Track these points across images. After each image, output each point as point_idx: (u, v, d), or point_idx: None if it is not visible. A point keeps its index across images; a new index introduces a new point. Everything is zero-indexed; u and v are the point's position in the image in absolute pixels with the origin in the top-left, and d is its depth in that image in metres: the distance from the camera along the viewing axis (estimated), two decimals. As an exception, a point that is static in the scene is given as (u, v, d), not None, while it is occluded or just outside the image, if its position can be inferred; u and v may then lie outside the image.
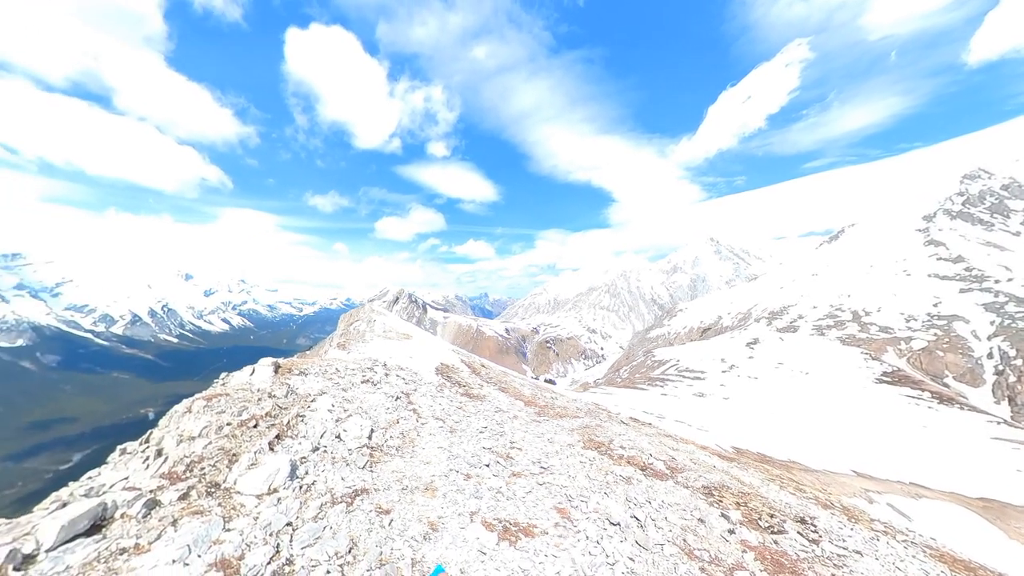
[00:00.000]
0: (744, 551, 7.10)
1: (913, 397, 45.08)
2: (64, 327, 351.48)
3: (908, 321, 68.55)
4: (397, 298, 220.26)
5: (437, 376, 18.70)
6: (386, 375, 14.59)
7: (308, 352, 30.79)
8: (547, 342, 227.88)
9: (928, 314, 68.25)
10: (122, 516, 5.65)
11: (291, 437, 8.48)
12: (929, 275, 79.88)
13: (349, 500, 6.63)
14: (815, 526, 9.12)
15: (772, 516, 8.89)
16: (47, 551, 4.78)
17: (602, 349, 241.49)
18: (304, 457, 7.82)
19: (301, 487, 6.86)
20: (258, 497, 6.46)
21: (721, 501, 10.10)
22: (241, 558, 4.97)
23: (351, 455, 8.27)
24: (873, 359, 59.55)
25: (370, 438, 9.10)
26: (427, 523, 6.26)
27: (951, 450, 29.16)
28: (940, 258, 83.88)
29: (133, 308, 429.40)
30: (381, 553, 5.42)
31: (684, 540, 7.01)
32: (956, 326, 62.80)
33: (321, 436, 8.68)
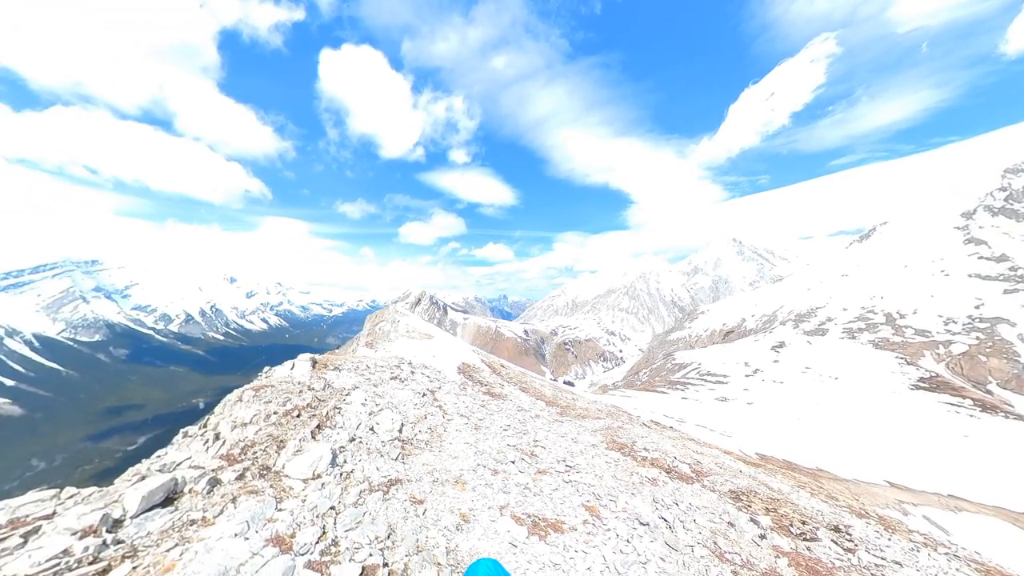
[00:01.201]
0: (777, 556, 6.92)
1: (953, 405, 42.44)
2: (131, 325, 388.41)
3: (947, 324, 64.56)
4: (419, 300, 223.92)
5: (459, 375, 18.96)
6: (412, 373, 14.93)
7: (339, 350, 31.81)
8: (565, 344, 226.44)
9: (969, 316, 64.06)
10: (190, 491, 6.14)
11: (330, 427, 8.84)
12: (970, 275, 75.02)
13: (385, 489, 6.87)
14: (850, 535, 8.78)
15: (804, 523, 8.62)
16: (131, 517, 5.30)
17: (621, 351, 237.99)
18: (343, 446, 8.13)
19: (341, 474, 7.16)
20: (304, 481, 6.81)
21: (750, 506, 9.86)
22: (293, 536, 5.27)
23: (384, 447, 8.53)
24: (909, 364, 56.40)
25: (400, 432, 9.36)
26: (459, 514, 6.41)
27: (995, 461, 27.28)
28: (981, 257, 78.66)
29: (187, 308, 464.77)
30: (417, 540, 5.60)
31: (714, 543, 6.90)
32: (1000, 329, 58.73)
33: (357, 428, 9.00)
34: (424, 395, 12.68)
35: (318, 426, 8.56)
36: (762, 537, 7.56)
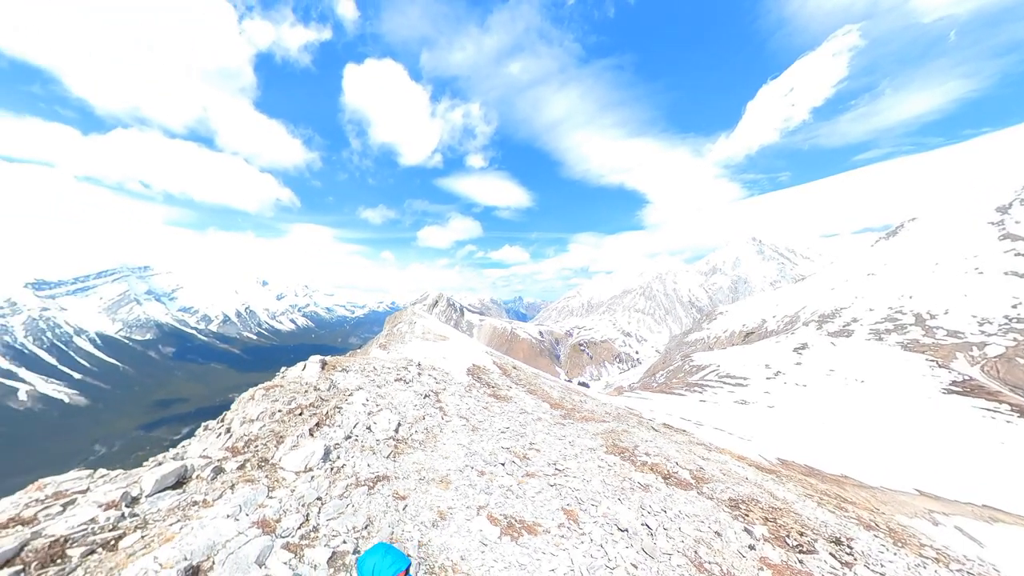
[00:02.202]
0: (761, 568, 6.61)
1: (988, 409, 39.20)
2: (177, 325, 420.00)
3: (982, 325, 59.73)
4: (436, 302, 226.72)
5: (468, 376, 19.08)
6: (419, 374, 15.15)
7: (357, 351, 32.75)
8: (580, 345, 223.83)
9: (1006, 317, 59.03)
10: (196, 477, 6.89)
11: (328, 425, 9.12)
12: (1006, 273, 69.13)
13: (371, 484, 7.05)
14: (851, 548, 8.27)
15: (802, 534, 8.19)
16: (146, 496, 6.18)
17: (637, 353, 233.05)
18: (337, 443, 8.39)
19: (332, 469, 7.44)
20: (296, 473, 7.21)
21: (747, 515, 9.45)
22: (278, 521, 5.74)
23: (378, 445, 8.72)
24: (940, 367, 52.55)
25: (397, 431, 9.53)
26: (437, 512, 6.48)
27: (1036, 472, 25.01)
28: (1019, 253, 72.39)
29: (224, 310, 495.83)
30: (392, 533, 5.78)
31: (695, 552, 6.66)
32: (1042, 330, 53.91)
33: (354, 427, 9.24)
34: (426, 396, 12.85)
35: (317, 424, 8.84)
36: (751, 548, 7.23)
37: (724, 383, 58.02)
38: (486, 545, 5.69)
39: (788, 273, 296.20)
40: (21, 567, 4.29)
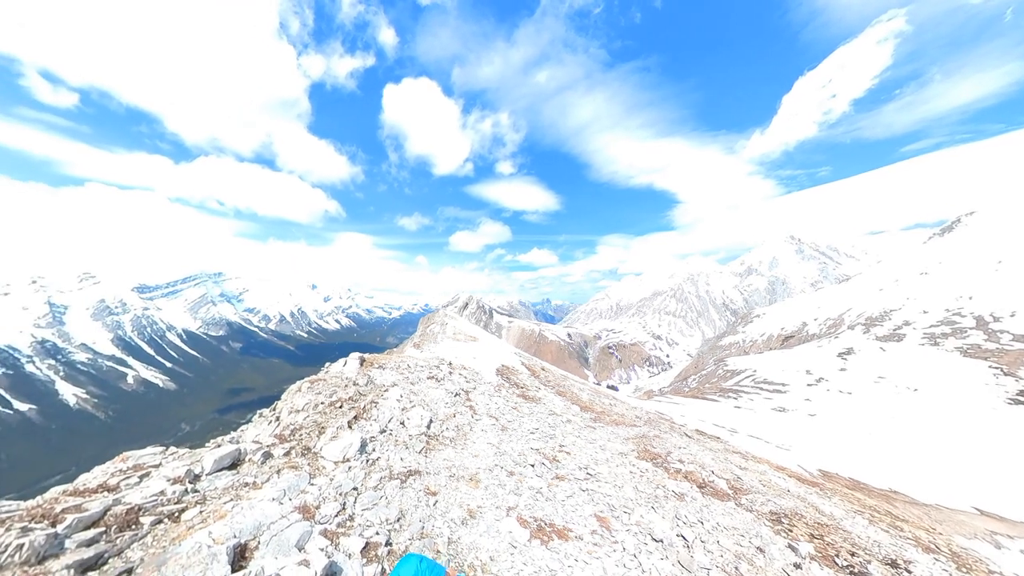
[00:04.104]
0: (811, 591, 5.84)
1: (1074, 427, 33.53)
2: (243, 323, 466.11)
3: (1059, 330, 51.52)
4: (467, 304, 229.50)
5: (497, 376, 18.92)
6: (450, 373, 15.17)
7: (394, 349, 33.79)
8: (609, 348, 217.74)
9: None
10: (249, 460, 7.18)
11: (365, 419, 9.25)
12: None
13: (403, 478, 7.00)
14: (909, 571, 7.17)
15: (854, 554, 7.21)
16: (206, 474, 6.53)
17: (668, 356, 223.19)
18: (373, 437, 8.46)
19: (368, 460, 7.49)
20: (335, 463, 7.33)
21: (791, 530, 8.50)
22: (317, 507, 5.82)
23: (411, 440, 8.71)
24: (1006, 375, 45.71)
25: (428, 428, 9.50)
26: (466, 510, 6.29)
27: None
28: None
29: (281, 311, 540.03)
30: (423, 527, 5.66)
31: (736, 568, 6.00)
32: None
33: (388, 421, 9.31)
34: (457, 395, 12.80)
35: (355, 417, 8.99)
36: (796, 567, 6.43)
37: (761, 389, 54.00)
38: (516, 547, 5.41)
39: (831, 273, 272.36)
40: (104, 529, 4.64)
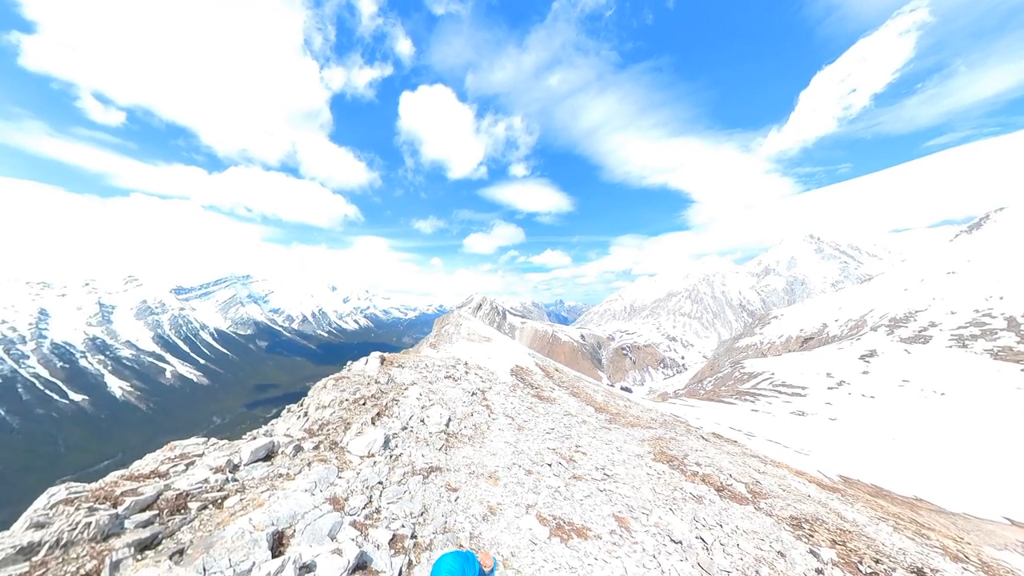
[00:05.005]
0: (835, 598, 5.67)
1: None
2: (269, 323, 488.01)
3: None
4: (480, 305, 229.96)
5: (511, 377, 18.98)
6: (466, 373, 15.33)
7: (410, 349, 34.31)
8: (623, 349, 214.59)
9: None
10: (281, 452, 7.50)
11: (387, 416, 9.47)
12: None
13: (425, 474, 7.15)
14: (942, 584, 6.84)
15: (878, 562, 6.94)
16: (244, 465, 6.87)
17: (683, 358, 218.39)
18: (395, 433, 8.67)
19: (391, 456, 7.68)
20: (361, 457, 7.57)
21: (812, 536, 8.24)
22: (346, 499, 6.03)
23: (431, 438, 8.87)
24: None
25: (447, 426, 9.65)
26: (487, 506, 6.38)
27: None
28: None
29: (303, 311, 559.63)
30: (446, 522, 5.78)
31: (756, 572, 5.88)
32: None
33: (409, 418, 9.51)
34: (474, 394, 12.93)
35: (378, 414, 9.22)
36: (819, 572, 6.25)
37: (779, 392, 52.24)
38: (536, 544, 5.46)
39: (852, 273, 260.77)
40: (157, 512, 4.99)
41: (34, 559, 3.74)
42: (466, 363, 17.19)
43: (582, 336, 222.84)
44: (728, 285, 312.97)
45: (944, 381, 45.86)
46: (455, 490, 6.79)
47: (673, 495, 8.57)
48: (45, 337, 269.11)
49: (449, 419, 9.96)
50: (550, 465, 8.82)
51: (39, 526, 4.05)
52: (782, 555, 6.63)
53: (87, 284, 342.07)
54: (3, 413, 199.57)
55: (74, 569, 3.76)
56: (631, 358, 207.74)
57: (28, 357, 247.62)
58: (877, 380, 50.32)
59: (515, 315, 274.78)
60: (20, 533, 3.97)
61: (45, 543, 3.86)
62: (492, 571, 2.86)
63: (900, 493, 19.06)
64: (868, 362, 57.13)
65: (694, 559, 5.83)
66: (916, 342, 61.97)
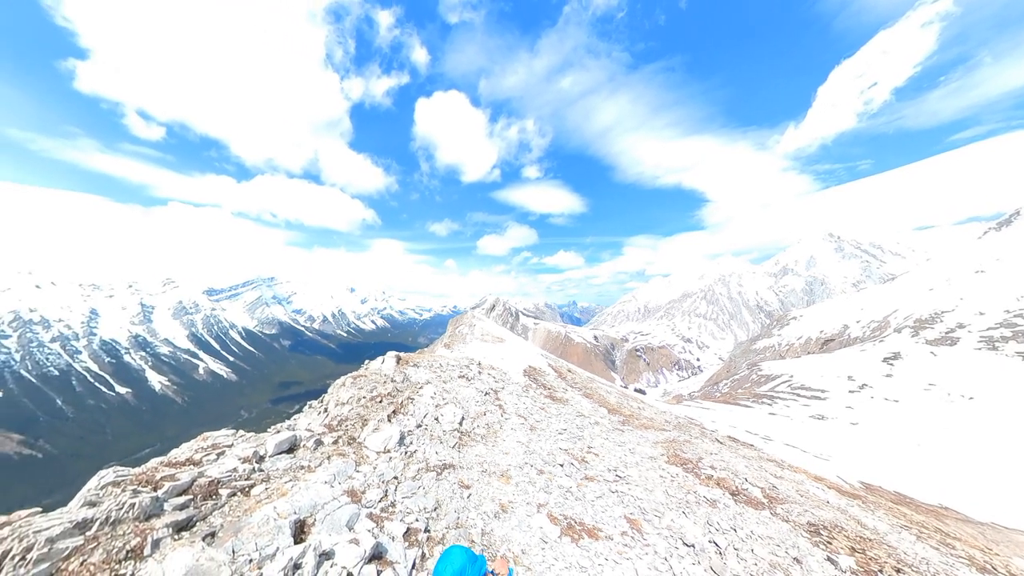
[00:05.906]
0: (854, 607, 5.44)
1: None
2: (292, 323, 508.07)
3: None
4: (494, 306, 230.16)
5: (524, 377, 18.97)
6: (479, 373, 15.43)
7: (425, 349, 34.77)
8: (637, 350, 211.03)
9: None
10: (303, 446, 7.79)
11: (403, 414, 9.64)
12: None
13: (439, 471, 7.26)
14: (970, 597, 6.46)
15: (899, 571, 6.61)
16: (269, 456, 7.18)
17: (698, 360, 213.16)
18: (410, 431, 8.82)
19: (406, 452, 7.84)
20: (377, 453, 7.77)
21: (830, 543, 7.92)
22: (363, 492, 6.24)
23: (445, 436, 8.98)
24: None
25: (460, 424, 9.74)
26: (499, 504, 6.42)
27: None
28: None
29: (323, 312, 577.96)
30: (458, 518, 5.87)
31: (771, 578, 5.71)
32: None
33: (424, 417, 9.64)
34: (487, 394, 13.01)
35: (394, 411, 9.39)
36: (838, 582, 6.01)
37: (798, 395, 50.38)
38: (546, 543, 5.47)
39: (874, 272, 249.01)
40: (192, 496, 5.32)
41: (87, 533, 4.11)
42: (479, 363, 17.29)
43: (595, 337, 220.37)
44: (744, 285, 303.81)
45: (973, 385, 43.25)
46: (468, 487, 6.86)
47: (686, 498, 8.40)
48: (95, 335, 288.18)
49: (462, 418, 10.05)
50: (562, 465, 8.79)
51: (91, 504, 4.43)
52: (798, 561, 6.41)
53: (130, 286, 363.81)
54: (60, 403, 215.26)
55: (121, 544, 4.11)
56: (645, 360, 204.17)
57: (80, 353, 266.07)
58: (901, 383, 47.90)
59: (528, 316, 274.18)
60: (76, 510, 4.35)
61: (96, 520, 4.21)
62: None
63: (924, 501, 18.11)
64: (892, 365, 54.45)
65: (707, 563, 5.71)
66: (943, 344, 58.70)
